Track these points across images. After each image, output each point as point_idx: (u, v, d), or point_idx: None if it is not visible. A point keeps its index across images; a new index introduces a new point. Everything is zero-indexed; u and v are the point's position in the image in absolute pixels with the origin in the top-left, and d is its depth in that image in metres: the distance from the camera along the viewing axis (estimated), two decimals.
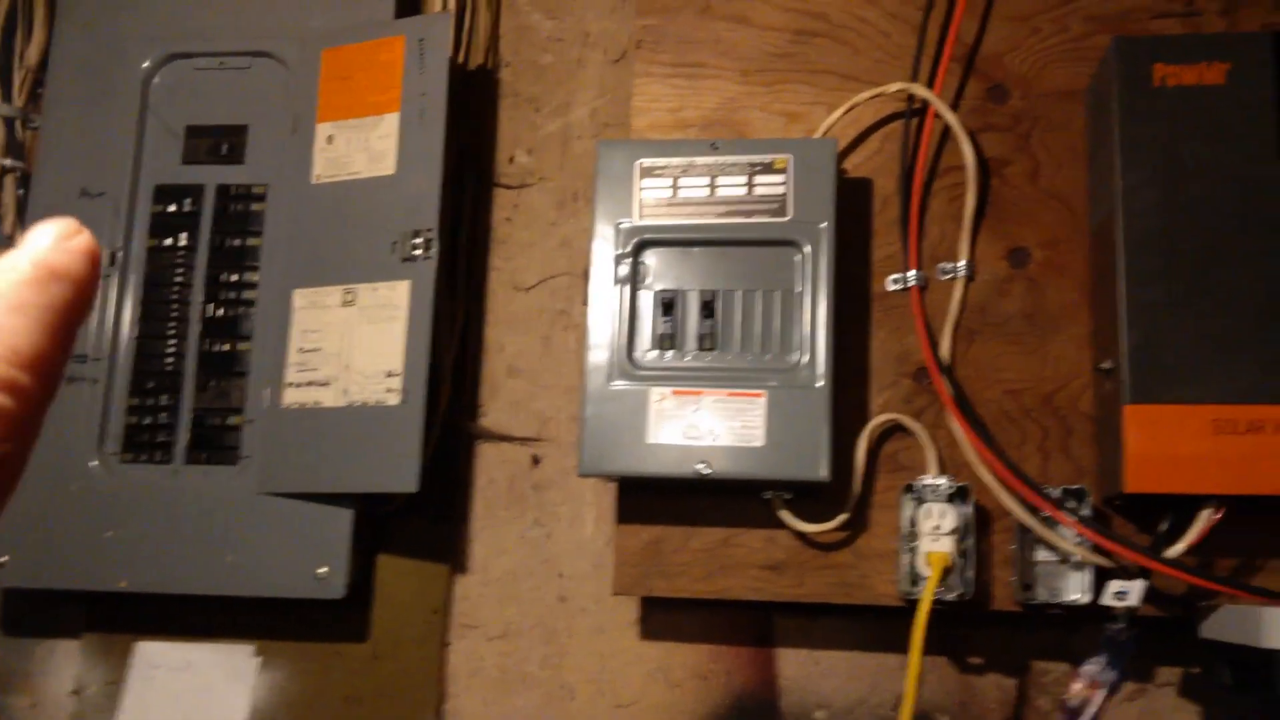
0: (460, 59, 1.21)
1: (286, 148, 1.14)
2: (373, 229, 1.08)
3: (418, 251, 1.05)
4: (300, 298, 1.09)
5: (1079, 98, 1.06)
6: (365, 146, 1.10)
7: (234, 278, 1.13)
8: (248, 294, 1.12)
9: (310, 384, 1.07)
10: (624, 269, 1.02)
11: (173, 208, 1.15)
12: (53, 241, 0.23)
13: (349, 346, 1.06)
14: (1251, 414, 0.88)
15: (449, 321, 1.14)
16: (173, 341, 1.12)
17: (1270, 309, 0.89)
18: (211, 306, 1.13)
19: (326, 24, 1.16)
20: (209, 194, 1.15)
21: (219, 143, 1.16)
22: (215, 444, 1.10)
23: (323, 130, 1.12)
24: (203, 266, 1.13)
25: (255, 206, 1.14)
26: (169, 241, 1.14)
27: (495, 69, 1.23)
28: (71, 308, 0.23)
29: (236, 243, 1.14)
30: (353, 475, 1.04)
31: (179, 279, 1.13)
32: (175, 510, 1.08)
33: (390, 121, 1.09)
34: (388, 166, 1.09)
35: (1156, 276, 0.91)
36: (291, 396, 1.08)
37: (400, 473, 1.02)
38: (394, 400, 1.03)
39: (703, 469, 0.98)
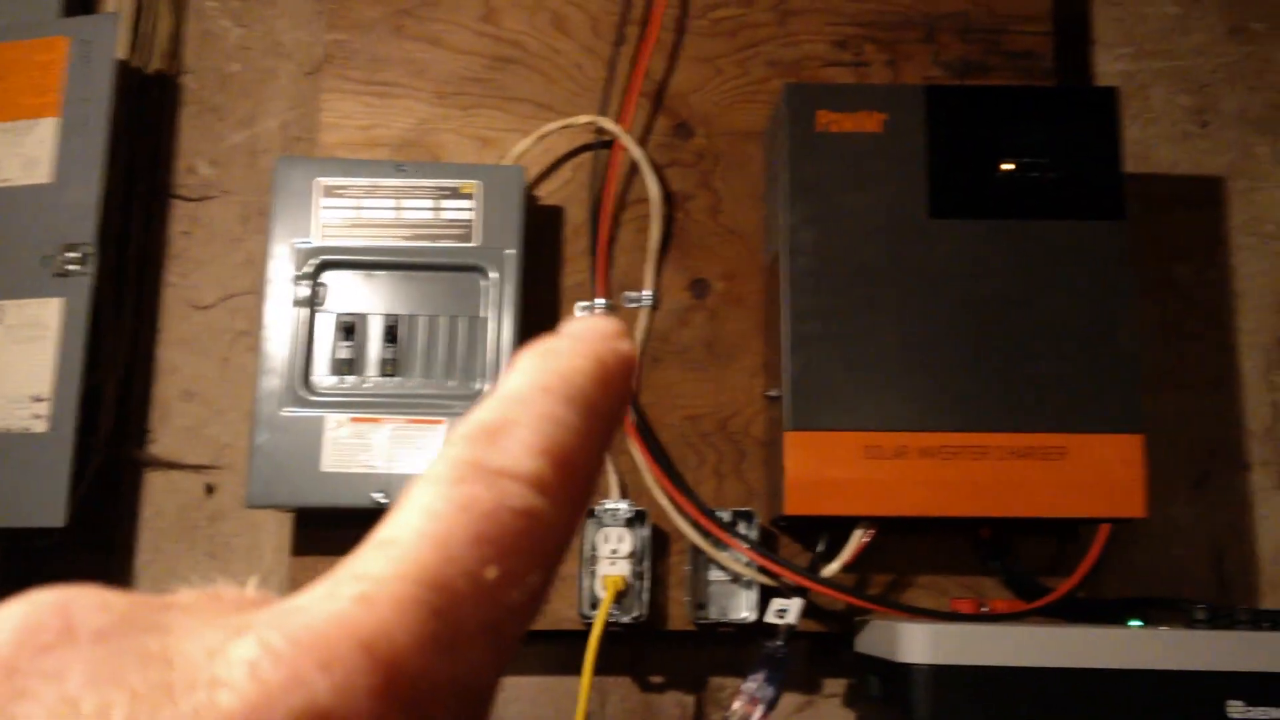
0: (136, 63, 1.13)
1: None
2: (24, 242, 0.99)
3: (73, 266, 0.98)
4: None
5: (758, 138, 1.11)
6: (19, 152, 1.01)
7: None
8: None
9: None
10: (302, 290, 0.99)
11: None
12: (608, 337, 0.18)
13: None
14: (897, 440, 0.95)
15: (113, 341, 1.06)
16: None
17: (913, 346, 0.96)
18: None
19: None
20: None
21: None
22: None
23: None
24: None
25: None
26: None
27: (176, 75, 1.16)
28: (616, 422, 0.17)
29: None
30: None
31: None
32: None
33: (48, 126, 1.01)
34: (44, 174, 1.00)
35: (815, 312, 0.97)
36: None
37: (47, 506, 0.94)
38: (40, 427, 0.95)
39: (380, 498, 0.95)
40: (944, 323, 0.97)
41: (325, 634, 0.14)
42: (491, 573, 0.15)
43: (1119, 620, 0.96)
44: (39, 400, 0.95)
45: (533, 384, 0.17)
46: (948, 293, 0.97)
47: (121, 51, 1.10)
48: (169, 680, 0.14)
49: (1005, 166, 0.99)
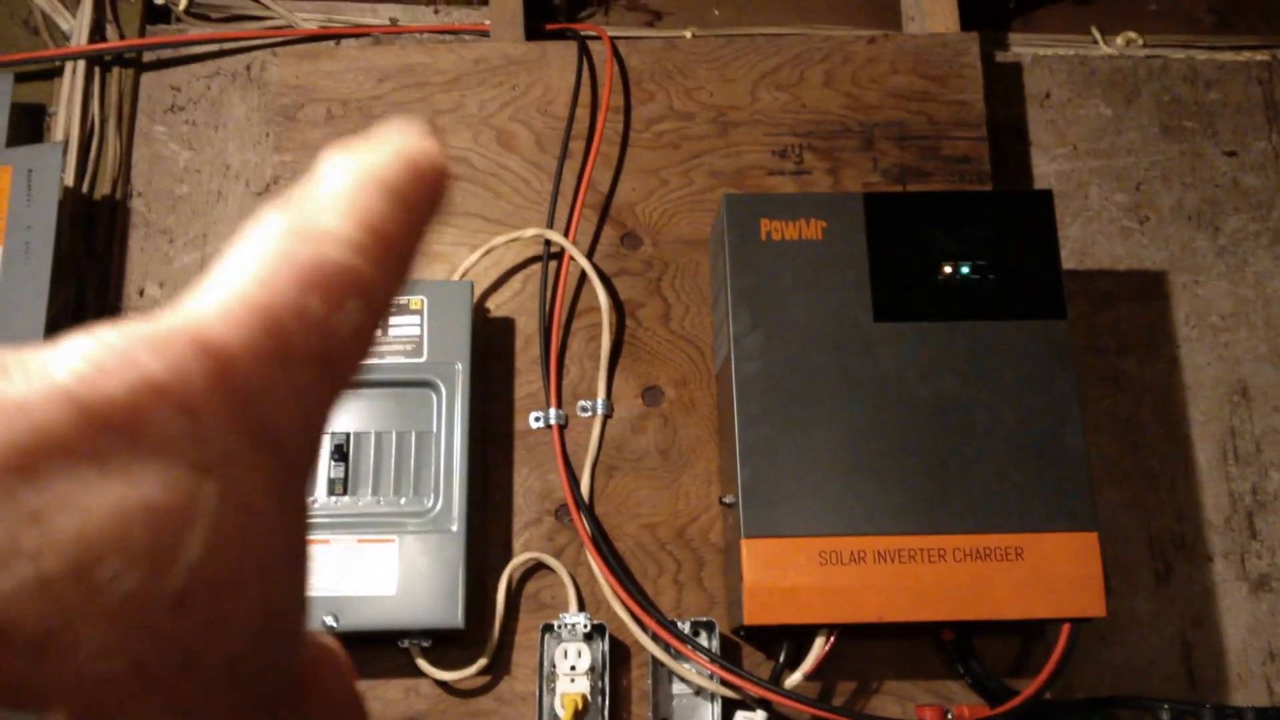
0: (84, 189, 1.14)
1: None
2: None
3: None
4: None
5: (704, 246, 1.13)
6: None
7: None
8: None
9: None
10: None
11: None
12: (418, 139, 0.19)
13: None
14: (853, 545, 0.94)
15: None
16: None
17: (864, 449, 0.96)
18: None
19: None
20: None
21: None
22: None
23: None
24: None
25: None
26: None
27: (125, 199, 1.17)
28: (430, 215, 0.19)
29: None
30: None
31: None
32: None
33: None
34: None
35: (764, 417, 0.97)
36: None
37: None
38: None
39: (329, 622, 0.93)
40: (893, 425, 0.97)
41: (157, 330, 0.16)
42: (316, 307, 0.17)
43: None
44: None
45: (344, 173, 0.19)
46: (895, 395, 0.97)
47: (69, 177, 1.11)
48: (3, 363, 0.15)
49: (946, 269, 1.01)
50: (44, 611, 0.13)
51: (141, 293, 1.15)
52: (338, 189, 0.18)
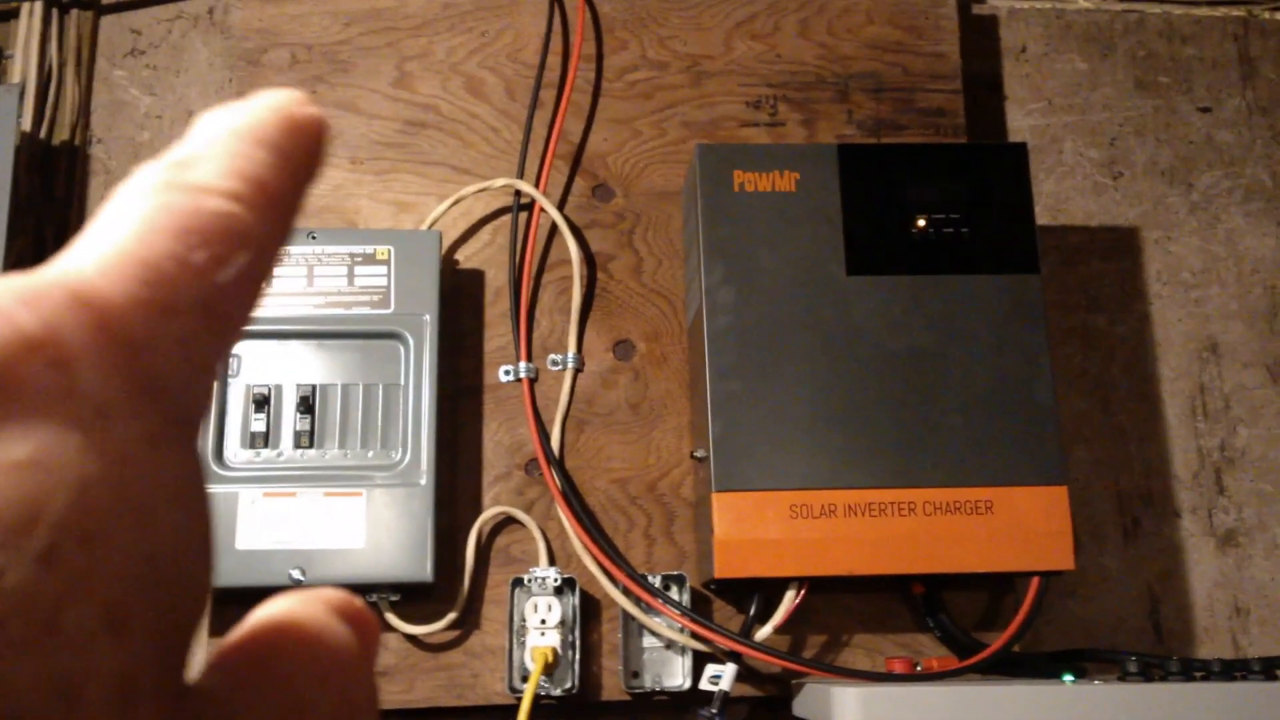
0: (42, 134, 1.11)
1: None
2: None
3: None
4: None
5: (677, 198, 1.12)
6: None
7: None
8: None
9: None
10: None
11: None
12: (292, 98, 0.19)
13: None
14: (824, 499, 0.94)
15: None
16: None
17: (835, 403, 0.95)
18: None
19: None
20: None
21: None
22: None
23: None
24: None
25: None
26: None
27: (85, 145, 1.14)
28: (309, 167, 0.19)
29: None
30: None
31: None
32: None
33: None
34: None
35: (736, 371, 0.96)
36: None
37: None
38: None
39: (296, 574, 0.92)
40: (864, 379, 0.96)
41: (31, 284, 0.15)
42: (198, 256, 0.17)
43: (1053, 675, 0.95)
44: None
45: (219, 127, 0.19)
46: (867, 349, 0.97)
47: (27, 122, 1.08)
48: None
49: (920, 223, 1.00)
50: None
51: None
52: (212, 142, 0.18)
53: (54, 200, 1.10)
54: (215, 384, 0.17)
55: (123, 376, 0.16)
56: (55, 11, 1.14)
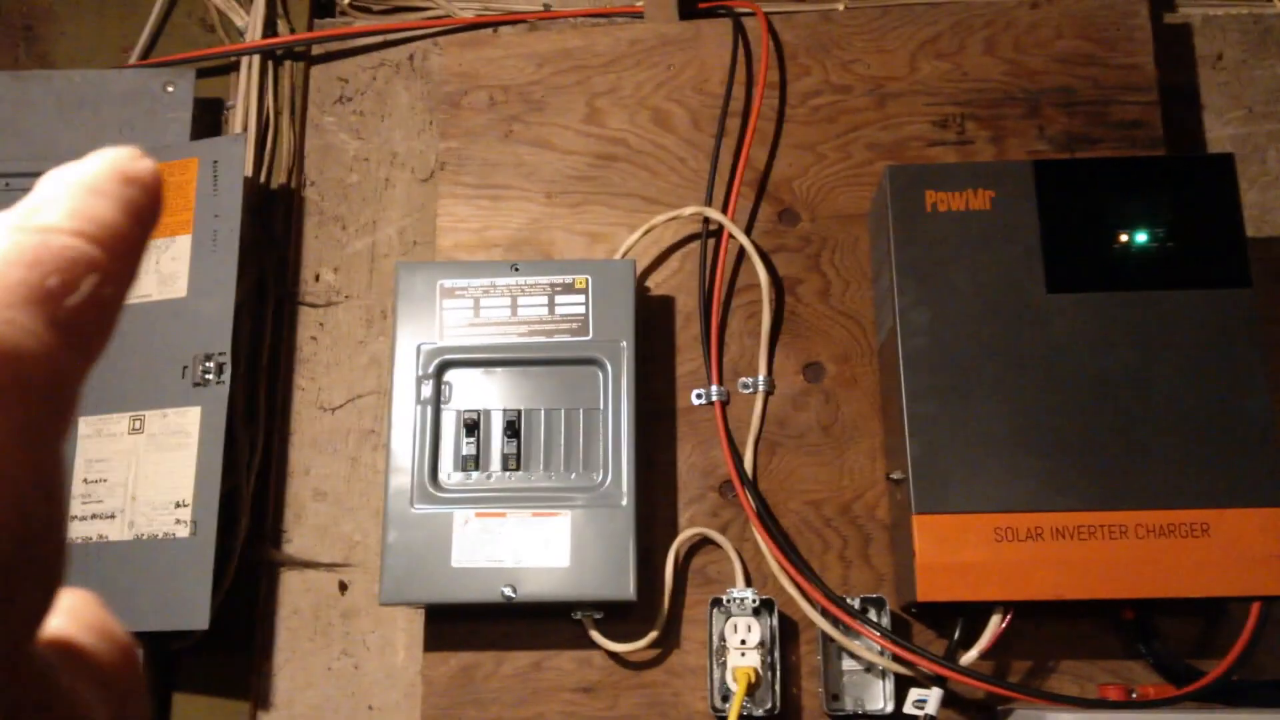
0: (262, 179, 1.19)
1: None
2: (163, 353, 1.04)
3: (209, 376, 1.02)
4: (85, 425, 1.04)
5: (863, 220, 1.12)
6: (156, 269, 1.06)
7: None
8: None
9: (94, 517, 1.01)
10: (426, 390, 1.01)
11: None
12: (125, 154, 0.23)
13: (136, 476, 1.01)
14: (1029, 521, 0.93)
15: (247, 445, 1.10)
16: None
17: (1038, 423, 0.94)
18: None
19: (120, 145, 1.13)
20: None
21: None
22: None
23: None
24: None
25: None
26: None
27: (300, 188, 1.22)
28: (146, 209, 0.23)
29: None
30: (140, 613, 0.98)
31: None
32: None
33: (182, 244, 1.07)
34: (179, 289, 1.05)
35: (932, 391, 0.96)
36: (74, 531, 1.02)
37: (191, 609, 0.97)
38: (184, 532, 0.98)
39: (508, 592, 0.96)
40: (1067, 398, 0.95)
41: None
42: (51, 282, 0.20)
43: (1277, 704, 0.92)
44: (182, 506, 0.99)
45: (59, 183, 0.22)
46: (1070, 368, 0.95)
47: (248, 168, 1.16)
48: None
49: (1122, 238, 0.98)
50: None
51: (317, 278, 1.20)
52: (55, 192, 0.22)
53: (273, 240, 1.18)
54: (79, 388, 0.21)
55: None
56: (270, 63, 1.22)
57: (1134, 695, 0.93)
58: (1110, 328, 0.96)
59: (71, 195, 0.22)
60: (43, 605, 0.20)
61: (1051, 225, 0.98)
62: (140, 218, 0.23)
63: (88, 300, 0.20)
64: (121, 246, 0.22)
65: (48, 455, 0.20)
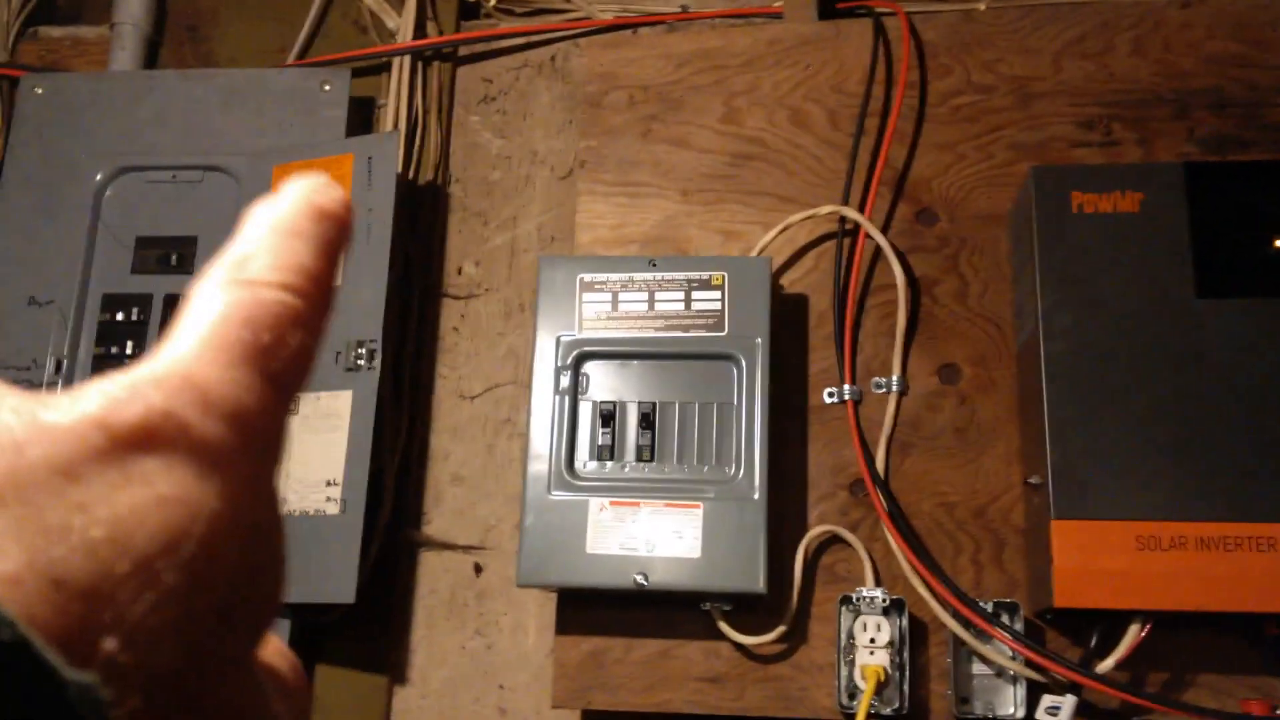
0: (410, 175, 1.24)
1: None
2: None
3: (361, 362, 1.07)
4: None
5: (1003, 221, 1.11)
6: None
7: None
8: None
9: None
10: (565, 380, 1.04)
11: (120, 316, 1.16)
12: (316, 186, 0.26)
13: (291, 455, 1.06)
14: (1173, 530, 0.91)
15: (393, 430, 1.15)
16: None
17: (1185, 431, 0.92)
18: None
19: (279, 142, 1.19)
20: (157, 303, 1.16)
21: (169, 253, 1.17)
22: None
23: None
24: None
25: None
26: (115, 350, 1.15)
27: (445, 185, 1.26)
28: (339, 243, 0.25)
29: None
30: (290, 585, 1.03)
31: None
32: None
33: None
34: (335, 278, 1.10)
35: (1074, 396, 0.94)
36: None
37: (338, 583, 1.01)
38: (333, 510, 1.03)
39: (640, 580, 0.98)
40: (1216, 405, 0.92)
41: (155, 373, 0.21)
42: (265, 339, 0.22)
43: None
44: (332, 485, 1.04)
45: (261, 227, 0.24)
46: (1219, 373, 0.93)
47: (398, 165, 1.21)
48: (39, 401, 0.20)
49: (1277, 243, 0.95)
50: (89, 568, 0.18)
51: (459, 271, 1.24)
52: (258, 238, 0.24)
53: (417, 235, 1.23)
54: (286, 431, 0.23)
55: (226, 434, 0.21)
56: (420, 64, 1.27)
57: (1278, 711, 0.90)
58: (1261, 334, 0.94)
59: (274, 242, 0.24)
60: (260, 631, 0.22)
61: (1203, 229, 0.96)
62: (333, 252, 0.25)
63: (295, 352, 0.23)
64: (321, 295, 0.24)
65: (268, 502, 0.22)
